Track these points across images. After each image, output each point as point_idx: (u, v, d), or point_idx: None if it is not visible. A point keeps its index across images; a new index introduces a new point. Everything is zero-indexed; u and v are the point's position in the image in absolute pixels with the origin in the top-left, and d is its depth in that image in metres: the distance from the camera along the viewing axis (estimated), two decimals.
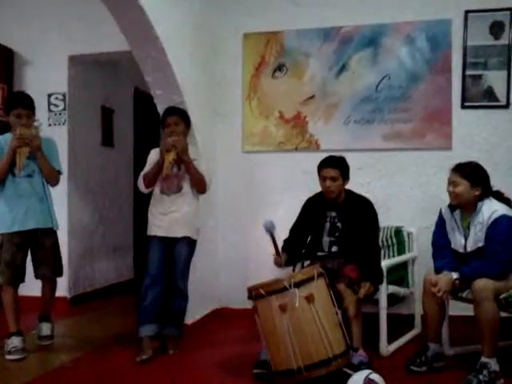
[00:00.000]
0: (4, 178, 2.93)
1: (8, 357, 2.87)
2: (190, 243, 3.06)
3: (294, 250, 2.98)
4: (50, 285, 3.13)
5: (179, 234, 3.00)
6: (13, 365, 2.81)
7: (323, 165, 2.89)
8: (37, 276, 3.09)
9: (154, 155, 3.08)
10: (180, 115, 3.05)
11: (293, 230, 3.05)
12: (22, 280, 3.03)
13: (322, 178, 2.88)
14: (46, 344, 3.09)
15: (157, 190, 3.03)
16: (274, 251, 2.80)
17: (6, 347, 2.91)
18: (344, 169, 2.89)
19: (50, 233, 3.07)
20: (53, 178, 3.07)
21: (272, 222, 2.73)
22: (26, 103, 2.99)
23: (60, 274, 3.16)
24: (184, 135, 3.04)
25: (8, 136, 2.98)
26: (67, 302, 4.08)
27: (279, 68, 3.91)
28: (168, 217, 2.99)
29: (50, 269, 3.08)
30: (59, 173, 3.11)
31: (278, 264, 2.86)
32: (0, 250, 2.94)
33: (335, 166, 2.86)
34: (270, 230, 2.72)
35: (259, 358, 2.61)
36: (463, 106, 3.60)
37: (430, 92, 3.63)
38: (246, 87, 3.96)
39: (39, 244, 3.03)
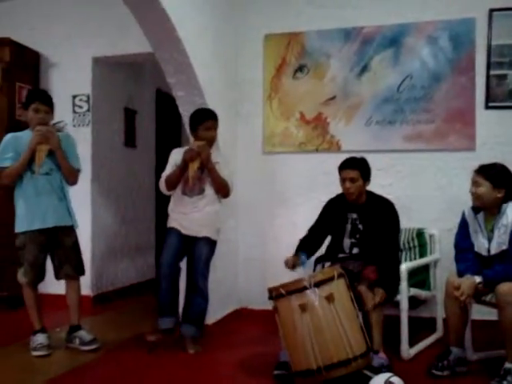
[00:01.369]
0: (22, 176, 2.92)
1: (34, 353, 2.91)
2: (210, 243, 3.08)
3: (310, 249, 2.97)
4: (74, 286, 3.09)
5: (199, 233, 3.03)
6: (37, 361, 2.86)
7: (343, 166, 2.89)
8: (58, 276, 3.09)
9: (175, 156, 3.11)
10: (216, 119, 3.06)
11: (311, 230, 3.05)
12: (43, 279, 3.06)
13: (342, 180, 2.88)
14: (94, 348, 2.99)
15: (178, 190, 3.05)
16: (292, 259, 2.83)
17: (31, 344, 2.95)
18: (364, 170, 2.88)
19: (70, 231, 3.06)
20: (72, 176, 3.05)
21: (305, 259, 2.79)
22: (44, 99, 2.99)
23: (82, 272, 3.14)
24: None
25: (23, 134, 2.99)
26: (90, 300, 4.14)
27: (300, 69, 3.90)
28: (189, 217, 3.02)
29: (72, 268, 3.06)
30: (78, 171, 3.09)
31: (288, 265, 2.83)
32: (23, 251, 2.94)
33: (355, 168, 2.85)
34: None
35: (279, 358, 2.61)
36: (487, 107, 3.54)
37: (452, 92, 3.58)
38: (266, 88, 3.96)
39: (60, 243, 3.02)
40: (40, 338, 2.95)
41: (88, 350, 2.98)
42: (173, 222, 3.08)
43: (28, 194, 2.94)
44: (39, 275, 3.01)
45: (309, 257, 2.94)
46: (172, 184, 3.04)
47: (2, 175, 2.92)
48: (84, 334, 3.05)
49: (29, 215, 2.93)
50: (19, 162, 2.89)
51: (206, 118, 3.03)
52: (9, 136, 3.00)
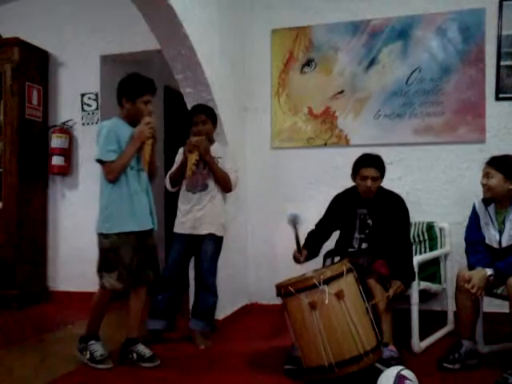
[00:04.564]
0: (125, 171, 2.60)
1: (98, 366, 2.62)
2: (216, 240, 3.08)
3: (317, 243, 2.96)
4: (141, 293, 2.77)
5: (204, 231, 3.03)
6: (45, 360, 2.83)
7: (365, 164, 2.83)
8: (138, 281, 2.71)
9: (181, 155, 3.13)
10: (207, 114, 3.07)
11: (319, 225, 3.04)
12: (135, 286, 2.74)
13: (363, 177, 2.82)
14: (155, 365, 2.69)
15: (183, 187, 3.08)
16: (295, 246, 2.82)
17: (85, 353, 2.65)
18: (384, 168, 2.87)
19: (152, 232, 2.77)
20: (156, 172, 2.82)
21: (297, 216, 2.75)
22: (154, 89, 2.70)
23: (159, 276, 2.88)
24: (210, 133, 3.08)
25: (118, 123, 2.65)
26: None
27: (308, 63, 3.89)
28: (192, 214, 3.03)
29: (153, 271, 2.76)
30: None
31: (296, 260, 2.84)
32: (115, 253, 2.58)
33: (378, 167, 2.82)
34: (294, 224, 2.75)
35: (289, 353, 2.61)
36: (498, 98, 3.50)
37: (462, 84, 3.55)
38: (274, 83, 3.96)
39: (145, 245, 2.71)
40: (98, 347, 2.66)
41: (149, 367, 2.67)
42: (177, 226, 3.10)
43: (126, 192, 2.60)
44: (135, 281, 2.66)
45: (314, 251, 2.94)
46: (175, 180, 3.07)
47: (109, 170, 2.57)
48: (143, 349, 2.73)
49: (126, 215, 2.59)
50: (126, 156, 2.56)
51: (193, 113, 3.08)
52: (110, 125, 2.63)
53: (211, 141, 3.11)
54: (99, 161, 2.59)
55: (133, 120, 2.66)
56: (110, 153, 2.56)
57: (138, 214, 2.64)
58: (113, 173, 2.57)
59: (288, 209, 3.78)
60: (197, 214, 3.03)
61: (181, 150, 3.16)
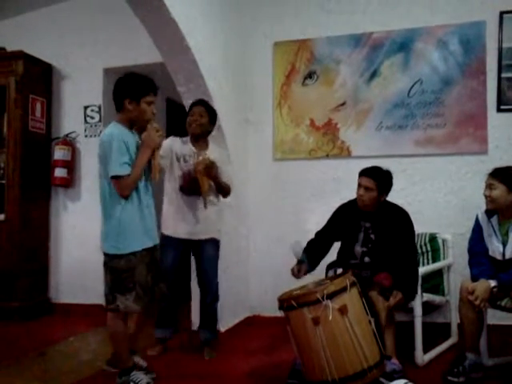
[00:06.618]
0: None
1: None
2: (215, 243, 3.07)
3: (316, 255, 2.92)
4: (141, 317, 2.65)
5: (204, 236, 3.00)
6: (48, 372, 2.82)
7: (362, 173, 2.85)
8: (154, 297, 2.52)
9: (170, 142, 3.06)
10: (206, 108, 3.01)
11: (319, 233, 3.00)
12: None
13: (358, 185, 2.85)
14: (153, 378, 2.58)
15: (170, 188, 3.00)
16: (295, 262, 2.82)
17: None
18: (382, 182, 2.81)
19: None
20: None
21: (300, 246, 2.77)
22: (155, 89, 2.45)
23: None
24: (205, 128, 3.01)
25: (119, 130, 2.38)
26: (103, 309, 4.15)
27: (310, 75, 3.91)
28: (190, 218, 2.95)
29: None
30: None
31: (295, 276, 2.80)
32: (130, 273, 2.36)
33: (372, 177, 2.79)
34: (296, 253, 2.77)
35: (293, 367, 2.58)
36: (499, 110, 3.51)
37: (464, 96, 3.57)
38: (276, 95, 3.97)
39: (155, 260, 2.51)
40: (143, 376, 2.46)
41: None
42: (168, 228, 2.97)
43: (138, 206, 2.40)
44: (151, 300, 2.47)
45: (314, 262, 2.90)
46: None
47: (124, 185, 2.32)
48: (139, 360, 2.67)
49: (140, 231, 2.40)
50: (139, 167, 2.34)
51: (193, 105, 3.05)
52: (117, 134, 2.35)
53: (205, 135, 3.04)
54: (114, 177, 2.31)
55: (133, 124, 2.44)
56: (125, 165, 2.31)
57: (150, 228, 2.46)
58: (128, 187, 2.33)
59: (293, 222, 3.83)
60: (195, 219, 2.94)
61: (168, 141, 3.05)
